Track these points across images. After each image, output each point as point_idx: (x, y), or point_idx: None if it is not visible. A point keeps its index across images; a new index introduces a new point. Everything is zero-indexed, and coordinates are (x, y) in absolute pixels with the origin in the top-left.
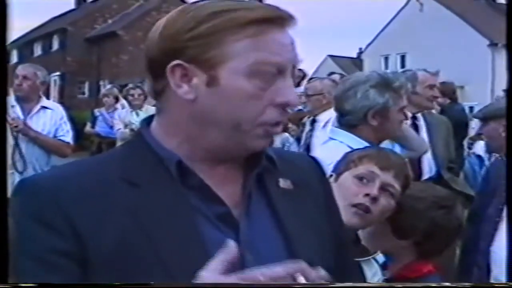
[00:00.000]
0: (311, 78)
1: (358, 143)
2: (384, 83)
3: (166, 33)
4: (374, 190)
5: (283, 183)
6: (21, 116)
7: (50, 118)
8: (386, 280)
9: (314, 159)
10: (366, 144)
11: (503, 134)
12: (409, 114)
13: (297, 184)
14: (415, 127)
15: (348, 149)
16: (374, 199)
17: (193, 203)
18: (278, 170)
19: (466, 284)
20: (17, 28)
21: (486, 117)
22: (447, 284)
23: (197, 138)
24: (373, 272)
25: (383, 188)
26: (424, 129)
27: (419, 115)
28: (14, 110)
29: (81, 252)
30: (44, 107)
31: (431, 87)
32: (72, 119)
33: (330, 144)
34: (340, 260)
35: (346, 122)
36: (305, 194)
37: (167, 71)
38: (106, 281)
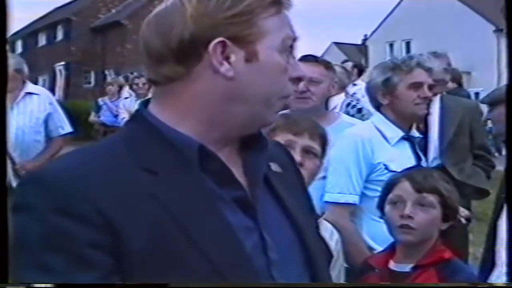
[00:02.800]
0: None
1: (385, 124)
2: (385, 63)
3: (199, 13)
4: (297, 156)
5: (274, 166)
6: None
7: (37, 104)
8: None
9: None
10: (392, 126)
11: None
12: (427, 93)
13: (283, 167)
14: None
15: (372, 130)
16: (300, 165)
17: (212, 188)
18: (267, 154)
19: (467, 284)
20: (20, 19)
21: (493, 102)
22: (448, 284)
23: (219, 117)
24: (329, 234)
25: (305, 151)
26: (436, 114)
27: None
28: None
29: (116, 244)
30: (29, 93)
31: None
32: (64, 107)
33: (361, 123)
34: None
35: (373, 107)
36: (290, 177)
37: (210, 49)
38: (141, 271)
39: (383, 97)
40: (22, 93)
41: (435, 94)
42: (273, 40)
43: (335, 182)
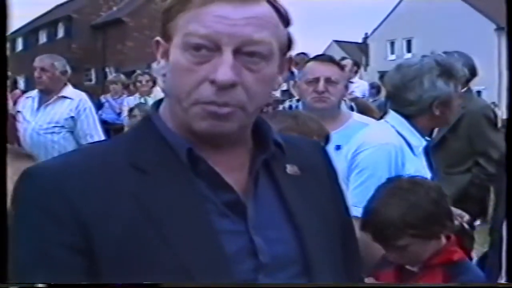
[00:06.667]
0: (308, 60)
1: (411, 132)
2: (449, 72)
3: None
4: None
5: (290, 169)
6: (35, 107)
7: (64, 108)
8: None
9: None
10: (417, 134)
11: None
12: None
13: (304, 169)
14: None
15: (397, 136)
16: None
17: (202, 190)
18: (286, 156)
19: (468, 284)
20: (21, 16)
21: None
22: (448, 284)
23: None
24: None
25: None
26: None
27: None
28: (25, 104)
29: (87, 244)
30: (63, 97)
31: None
32: None
33: (380, 125)
34: (345, 243)
35: (407, 112)
36: (312, 180)
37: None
38: (113, 272)
39: (436, 107)
40: (55, 96)
41: None
42: (179, 37)
43: (365, 195)
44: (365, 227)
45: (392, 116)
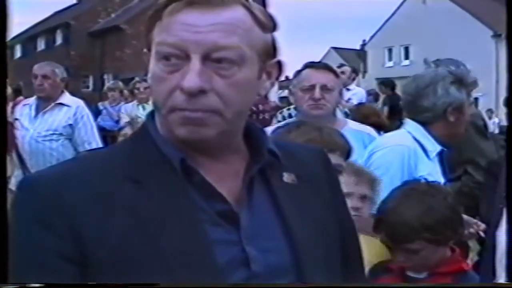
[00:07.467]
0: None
1: (426, 138)
2: (461, 80)
3: None
4: None
5: (287, 177)
6: (33, 114)
7: (62, 115)
8: None
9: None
10: (433, 141)
11: None
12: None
13: (302, 177)
14: None
15: (413, 140)
16: None
17: (196, 200)
18: (282, 164)
19: (468, 284)
20: (20, 23)
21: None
22: (448, 284)
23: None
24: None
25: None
26: None
27: None
28: (22, 112)
29: (81, 255)
30: (60, 104)
31: None
32: None
33: (397, 131)
34: (345, 252)
35: (423, 119)
36: (310, 188)
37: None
38: (107, 281)
39: (451, 113)
40: (53, 104)
41: None
42: (154, 47)
43: None
44: (378, 227)
45: (409, 123)
